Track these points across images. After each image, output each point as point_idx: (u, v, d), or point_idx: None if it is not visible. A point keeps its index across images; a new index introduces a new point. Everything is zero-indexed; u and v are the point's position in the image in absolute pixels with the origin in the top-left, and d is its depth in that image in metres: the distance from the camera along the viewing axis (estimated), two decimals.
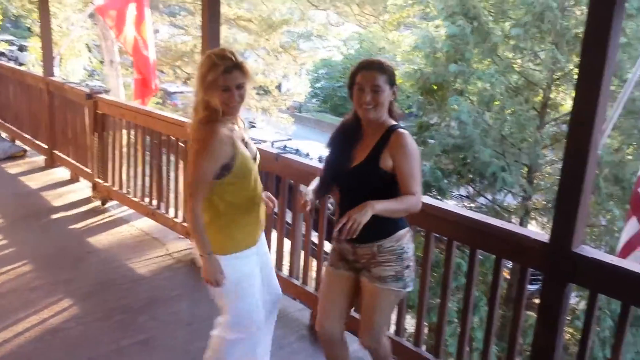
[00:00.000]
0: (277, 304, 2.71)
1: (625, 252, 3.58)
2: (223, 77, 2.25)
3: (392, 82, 2.26)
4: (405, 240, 2.32)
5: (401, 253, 2.29)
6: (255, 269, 2.49)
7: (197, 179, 2.31)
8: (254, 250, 2.49)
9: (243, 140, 2.42)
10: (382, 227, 2.25)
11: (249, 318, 2.48)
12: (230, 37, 15.82)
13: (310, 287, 3.54)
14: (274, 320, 2.74)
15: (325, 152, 2.51)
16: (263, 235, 2.61)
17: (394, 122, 2.29)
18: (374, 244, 2.28)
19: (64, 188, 5.77)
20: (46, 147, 6.34)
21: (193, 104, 2.40)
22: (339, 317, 2.46)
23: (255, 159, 2.46)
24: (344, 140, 2.37)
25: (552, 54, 7.80)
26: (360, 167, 2.26)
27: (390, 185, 2.22)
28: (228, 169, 2.31)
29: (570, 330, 7.39)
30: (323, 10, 19.90)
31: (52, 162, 6.30)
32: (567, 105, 8.30)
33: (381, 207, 2.10)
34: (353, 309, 2.61)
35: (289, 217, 3.76)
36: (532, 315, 6.11)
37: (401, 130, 2.24)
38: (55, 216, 5.05)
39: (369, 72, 2.23)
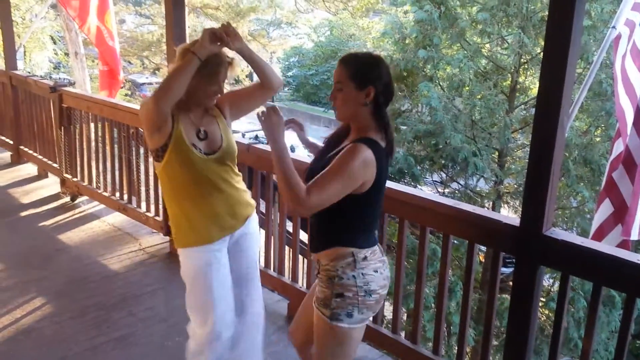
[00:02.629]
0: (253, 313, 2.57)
1: (600, 235, 3.62)
2: (224, 73, 2.32)
3: (360, 79, 1.88)
4: (344, 263, 1.91)
5: (332, 277, 1.92)
6: (211, 267, 2.36)
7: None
8: (212, 247, 2.37)
9: (200, 130, 2.34)
10: (319, 238, 1.97)
11: (205, 317, 2.37)
12: (198, 25, 15.59)
13: (287, 277, 3.54)
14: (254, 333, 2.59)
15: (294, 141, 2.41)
16: (241, 233, 2.46)
17: (366, 136, 1.89)
18: (315, 256, 2.02)
19: (32, 184, 5.65)
20: (12, 142, 6.21)
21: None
22: (297, 324, 2.28)
23: (214, 153, 2.33)
24: (335, 138, 2.08)
25: (519, 37, 7.85)
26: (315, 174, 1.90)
27: (339, 204, 1.85)
28: (164, 149, 2.26)
29: (546, 312, 7.52)
30: None
31: (18, 158, 6.17)
32: (536, 88, 8.36)
33: (279, 146, 1.85)
34: None
35: (262, 207, 3.75)
36: (508, 297, 6.20)
37: (358, 144, 1.84)
38: (23, 214, 4.94)
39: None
